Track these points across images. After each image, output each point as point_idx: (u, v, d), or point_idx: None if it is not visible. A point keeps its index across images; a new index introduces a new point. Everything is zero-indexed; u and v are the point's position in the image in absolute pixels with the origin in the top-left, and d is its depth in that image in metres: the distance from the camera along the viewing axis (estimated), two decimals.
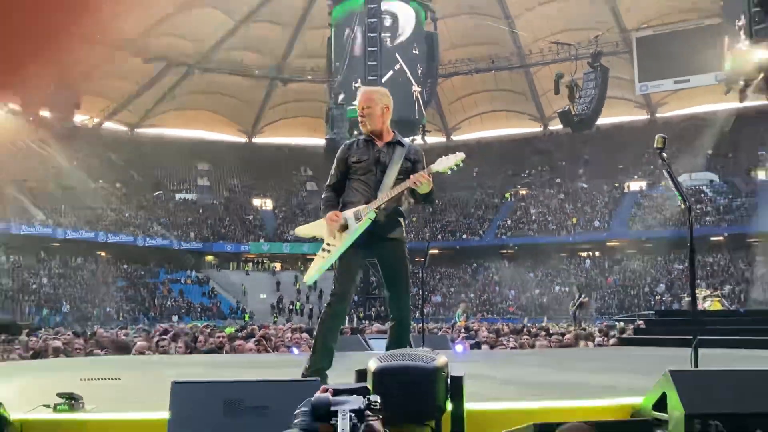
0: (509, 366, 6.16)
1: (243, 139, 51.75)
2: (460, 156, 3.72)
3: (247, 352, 8.81)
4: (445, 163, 3.72)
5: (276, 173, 49.35)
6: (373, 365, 2.68)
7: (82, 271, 37.59)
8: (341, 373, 3.67)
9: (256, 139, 51.70)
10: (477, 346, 10.36)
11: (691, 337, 3.81)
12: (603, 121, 37.32)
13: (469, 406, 2.78)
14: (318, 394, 1.89)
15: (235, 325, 23.57)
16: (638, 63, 39.55)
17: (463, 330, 13.84)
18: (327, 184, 3.93)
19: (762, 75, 21.31)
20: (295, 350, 8.96)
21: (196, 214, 44.89)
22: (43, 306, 33.53)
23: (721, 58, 25.32)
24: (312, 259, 3.98)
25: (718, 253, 35.99)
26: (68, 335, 11.64)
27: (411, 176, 3.69)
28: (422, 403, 2.61)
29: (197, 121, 49.32)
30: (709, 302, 14.31)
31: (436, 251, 39.71)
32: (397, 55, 33.65)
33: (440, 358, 2.72)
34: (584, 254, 40.75)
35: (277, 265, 44.14)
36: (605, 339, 11.03)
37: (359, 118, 3.87)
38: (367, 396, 1.83)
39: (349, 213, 3.73)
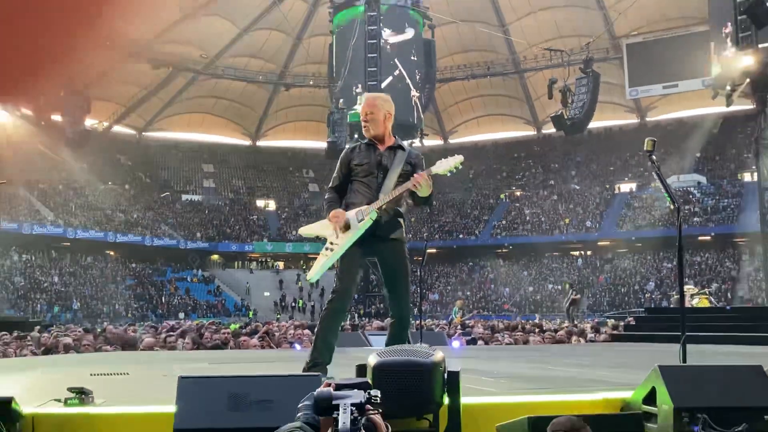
0: (504, 361, 6.19)
1: (247, 143, 52.28)
2: (458, 159, 3.77)
3: (251, 348, 8.96)
4: (444, 166, 3.76)
5: (279, 175, 50.12)
6: (372, 360, 2.69)
7: (92, 270, 37.89)
8: (342, 368, 3.70)
9: (260, 143, 52.24)
10: (473, 342, 10.69)
11: (680, 333, 3.88)
12: (594, 124, 37.62)
13: (465, 400, 2.81)
14: (320, 389, 1.90)
15: (240, 321, 23.73)
16: (628, 69, 40.05)
17: (459, 327, 13.94)
18: (330, 185, 3.95)
19: (748, 80, 21.91)
20: (298, 346, 8.96)
21: (202, 215, 45.28)
22: (54, 303, 33.85)
23: (708, 64, 26.12)
24: (313, 258, 4.29)
25: (705, 252, 36.21)
26: (78, 332, 11.67)
27: (411, 177, 3.73)
28: (420, 397, 2.63)
29: (203, 124, 49.95)
30: (697, 300, 14.27)
31: (434, 250, 39.86)
32: (396, 61, 34.17)
33: (437, 354, 2.73)
34: (576, 253, 40.99)
35: (280, 264, 44.50)
36: (596, 335, 11.22)
37: (363, 123, 3.93)
38: (368, 390, 1.83)
39: (351, 213, 3.74)
